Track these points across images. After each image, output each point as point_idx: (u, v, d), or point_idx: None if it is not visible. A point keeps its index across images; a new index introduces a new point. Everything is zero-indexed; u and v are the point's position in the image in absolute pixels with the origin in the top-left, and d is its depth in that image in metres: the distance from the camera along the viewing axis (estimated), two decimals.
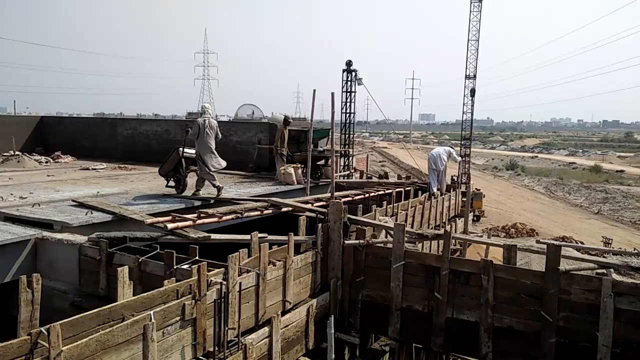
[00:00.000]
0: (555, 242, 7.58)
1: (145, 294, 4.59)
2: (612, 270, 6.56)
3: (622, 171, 49.57)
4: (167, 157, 9.90)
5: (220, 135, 9.74)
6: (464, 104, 25.21)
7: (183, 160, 9.65)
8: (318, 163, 13.89)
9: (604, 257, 8.60)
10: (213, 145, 9.55)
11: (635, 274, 10.25)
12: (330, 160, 14.75)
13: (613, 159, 68.16)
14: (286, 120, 13.22)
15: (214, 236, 6.74)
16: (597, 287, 6.01)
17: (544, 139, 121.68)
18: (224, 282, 5.22)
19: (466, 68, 24.71)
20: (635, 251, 8.70)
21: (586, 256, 8.42)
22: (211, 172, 9.53)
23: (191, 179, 10.12)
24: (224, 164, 9.77)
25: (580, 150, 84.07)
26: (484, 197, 24.09)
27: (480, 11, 24.31)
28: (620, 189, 36.65)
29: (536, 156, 73.69)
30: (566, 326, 6.21)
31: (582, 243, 17.62)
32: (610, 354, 5.95)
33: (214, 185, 9.56)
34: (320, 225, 7.44)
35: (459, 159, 14.83)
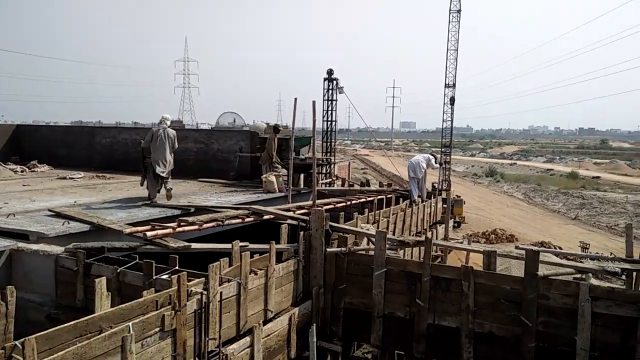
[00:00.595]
0: (534, 248, 7.70)
1: (123, 305, 4.52)
2: (589, 275, 6.68)
3: (598, 177, 50.61)
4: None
5: (176, 145, 10.16)
6: (444, 112, 25.50)
7: (143, 169, 10.13)
8: (311, 171, 13.89)
9: (581, 262, 8.74)
10: (164, 153, 9.86)
11: (612, 278, 10.45)
12: (321, 168, 14.86)
13: (589, 165, 69.58)
14: (276, 129, 13.21)
15: (194, 245, 6.67)
16: (575, 292, 6.11)
17: (522, 146, 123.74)
18: (205, 292, 5.17)
19: (446, 77, 25.03)
20: (612, 256, 8.87)
21: (564, 261, 8.57)
22: (153, 179, 9.87)
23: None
24: (163, 171, 9.86)
25: (558, 157, 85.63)
26: (464, 203, 24.31)
27: (459, 22, 24.68)
28: (597, 195, 37.40)
29: (515, 163, 74.79)
30: (545, 331, 6.29)
31: (560, 248, 17.89)
32: (589, 358, 6.04)
33: (149, 193, 9.92)
34: (302, 233, 7.42)
35: (437, 166, 14.97)
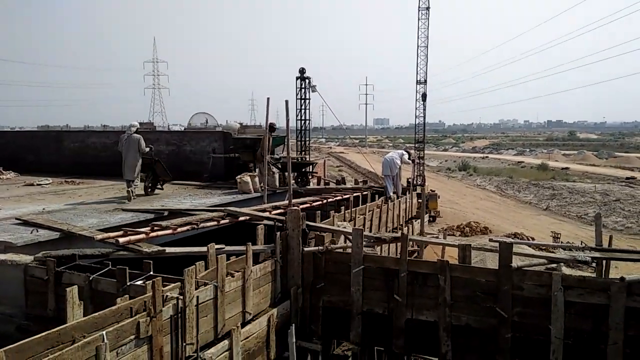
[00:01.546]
0: (507, 240, 7.83)
1: (96, 313, 4.41)
2: (561, 264, 6.83)
3: (567, 168, 51.80)
4: None
5: (144, 148, 10.78)
6: (416, 108, 25.75)
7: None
8: (304, 170, 13.95)
9: (553, 252, 8.94)
10: (130, 157, 10.72)
11: (583, 267, 10.70)
12: (310, 168, 14.92)
13: (558, 157, 71.13)
14: (272, 127, 13.02)
15: (168, 249, 6.57)
16: (548, 282, 6.23)
17: (493, 140, 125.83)
18: (181, 297, 5.09)
19: (417, 73, 25.25)
20: (583, 245, 9.10)
21: (537, 252, 8.74)
22: (126, 180, 10.74)
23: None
24: (129, 176, 10.69)
25: (528, 150, 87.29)
26: (438, 197, 24.57)
27: (428, 19, 24.92)
28: (566, 185, 38.28)
29: (487, 157, 75.97)
30: (520, 321, 6.40)
31: (532, 239, 18.28)
32: (563, 345, 6.17)
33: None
34: (278, 233, 7.38)
35: (410, 162, 15.10)
